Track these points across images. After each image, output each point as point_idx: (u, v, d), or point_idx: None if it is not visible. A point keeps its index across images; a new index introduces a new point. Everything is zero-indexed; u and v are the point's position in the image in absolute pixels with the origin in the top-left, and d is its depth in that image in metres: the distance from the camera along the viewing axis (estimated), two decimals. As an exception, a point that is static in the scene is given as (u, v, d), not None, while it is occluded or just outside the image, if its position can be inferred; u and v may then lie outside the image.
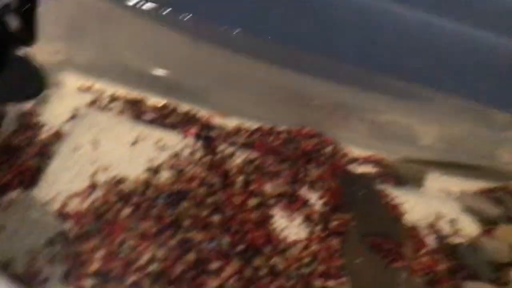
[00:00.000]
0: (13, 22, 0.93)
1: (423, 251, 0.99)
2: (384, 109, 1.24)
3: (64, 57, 1.14)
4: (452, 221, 1.09)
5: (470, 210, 1.12)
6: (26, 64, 0.64)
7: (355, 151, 1.21)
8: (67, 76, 1.12)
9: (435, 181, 1.20)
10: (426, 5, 1.14)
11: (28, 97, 0.58)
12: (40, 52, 1.02)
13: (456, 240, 1.04)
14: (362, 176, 1.14)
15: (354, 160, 1.18)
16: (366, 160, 1.19)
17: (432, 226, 1.06)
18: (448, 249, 1.01)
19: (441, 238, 1.04)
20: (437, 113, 1.23)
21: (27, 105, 1.01)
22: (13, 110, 0.98)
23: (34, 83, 0.59)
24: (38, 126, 0.98)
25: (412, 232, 1.03)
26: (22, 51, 0.68)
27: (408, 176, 1.16)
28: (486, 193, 1.18)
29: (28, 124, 0.97)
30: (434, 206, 1.12)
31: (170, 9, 1.13)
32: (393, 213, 1.06)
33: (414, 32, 1.17)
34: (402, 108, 1.24)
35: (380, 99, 1.23)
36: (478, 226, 1.10)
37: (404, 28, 1.16)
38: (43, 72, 0.62)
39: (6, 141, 0.92)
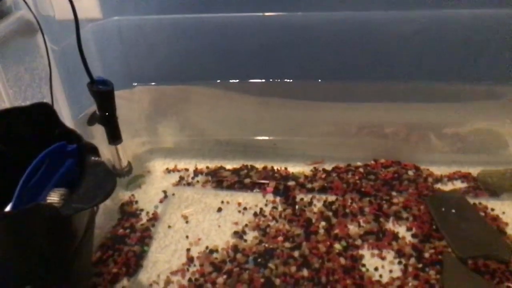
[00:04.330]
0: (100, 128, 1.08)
1: (536, 264, 0.91)
2: (464, 118, 1.17)
3: (149, 147, 1.29)
4: None
5: None
6: (99, 168, 0.73)
7: (439, 170, 1.16)
8: (154, 163, 1.26)
9: (535, 184, 1.10)
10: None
11: (101, 199, 0.67)
12: (129, 147, 1.17)
13: None
14: (451, 194, 1.08)
15: (439, 179, 1.13)
16: (452, 177, 1.14)
17: (542, 234, 0.97)
18: None
19: (555, 246, 0.94)
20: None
21: (126, 195, 1.15)
22: (111, 204, 1.12)
23: (106, 184, 0.68)
24: (137, 213, 1.10)
25: (520, 245, 0.95)
26: (96, 158, 0.76)
27: (503, 184, 1.07)
28: None
29: (129, 212, 1.10)
30: (540, 211, 1.02)
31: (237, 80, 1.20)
32: (493, 227, 0.99)
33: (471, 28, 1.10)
34: (484, 112, 1.16)
35: (457, 109, 1.17)
36: None
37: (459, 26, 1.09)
38: (112, 173, 0.72)
39: (112, 234, 1.04)
